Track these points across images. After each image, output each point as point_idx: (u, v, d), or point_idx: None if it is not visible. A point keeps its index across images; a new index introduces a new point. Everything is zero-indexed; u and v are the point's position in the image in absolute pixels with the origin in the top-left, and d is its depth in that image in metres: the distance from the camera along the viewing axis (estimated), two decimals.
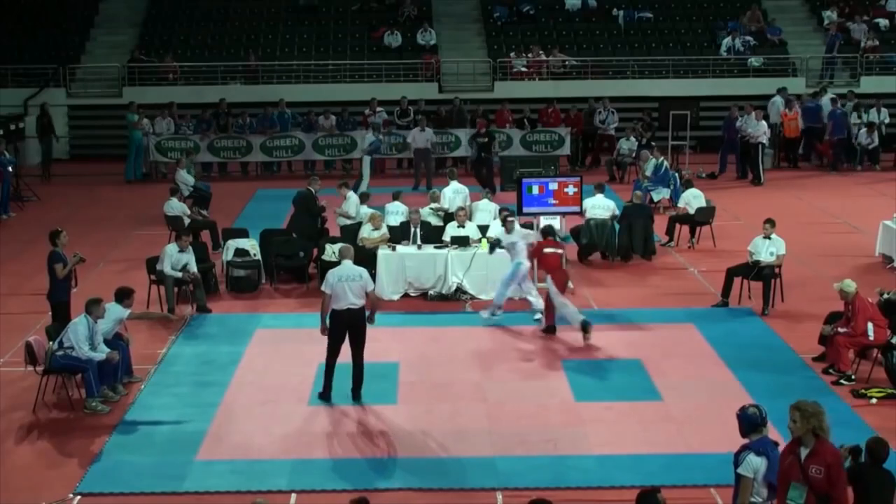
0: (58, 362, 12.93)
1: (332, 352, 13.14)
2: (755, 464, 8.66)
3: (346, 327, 13.01)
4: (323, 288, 13.13)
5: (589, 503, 10.62)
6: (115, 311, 13.54)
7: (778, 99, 30.03)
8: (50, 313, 14.81)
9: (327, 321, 13.08)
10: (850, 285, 13.78)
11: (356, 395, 13.18)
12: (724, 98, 30.71)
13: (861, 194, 25.95)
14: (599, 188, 20.11)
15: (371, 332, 15.70)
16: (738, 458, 8.77)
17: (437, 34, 34.26)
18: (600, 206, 19.58)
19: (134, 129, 28.74)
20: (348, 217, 19.37)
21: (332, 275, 13.03)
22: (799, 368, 14.24)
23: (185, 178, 23.25)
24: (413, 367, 14.34)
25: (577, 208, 18.07)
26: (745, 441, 8.81)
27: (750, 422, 8.78)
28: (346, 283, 12.94)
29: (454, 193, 20.65)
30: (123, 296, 13.83)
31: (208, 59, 32.97)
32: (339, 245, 18.15)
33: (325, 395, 13.20)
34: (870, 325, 13.51)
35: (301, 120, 29.81)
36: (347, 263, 13.20)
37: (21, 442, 12.22)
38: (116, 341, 13.57)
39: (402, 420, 12.65)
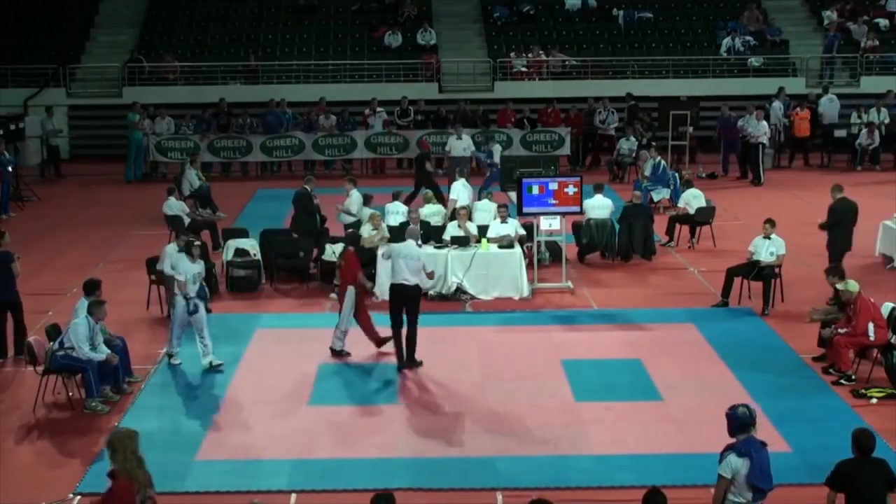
0: (58, 362, 12.94)
1: (393, 322, 14.29)
2: (735, 465, 8.63)
3: (401, 300, 14.15)
4: (380, 252, 14.80)
5: (589, 503, 10.63)
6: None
7: (777, 104, 30.04)
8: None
9: (374, 291, 14.73)
10: (853, 285, 13.78)
11: (409, 363, 14.15)
12: (724, 98, 30.71)
13: (861, 194, 25.77)
14: (598, 188, 20.11)
15: None
16: (720, 457, 8.77)
17: (437, 34, 34.25)
18: (600, 206, 19.58)
19: (134, 129, 28.76)
20: (349, 213, 19.37)
21: (393, 249, 14.42)
22: (799, 368, 14.24)
23: (192, 179, 23.28)
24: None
25: (577, 208, 18.06)
26: (732, 440, 8.81)
27: (739, 422, 8.77)
28: (403, 259, 14.10)
29: (463, 187, 20.77)
30: (93, 288, 13.81)
31: (208, 59, 32.97)
32: (339, 245, 18.21)
33: (399, 365, 14.21)
34: (870, 326, 13.50)
35: (301, 120, 29.83)
36: (410, 243, 14.49)
37: (21, 442, 12.23)
38: (114, 341, 13.58)
39: (402, 420, 12.65)
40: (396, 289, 14.26)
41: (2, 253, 14.74)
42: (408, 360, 14.22)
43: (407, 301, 14.21)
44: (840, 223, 17.67)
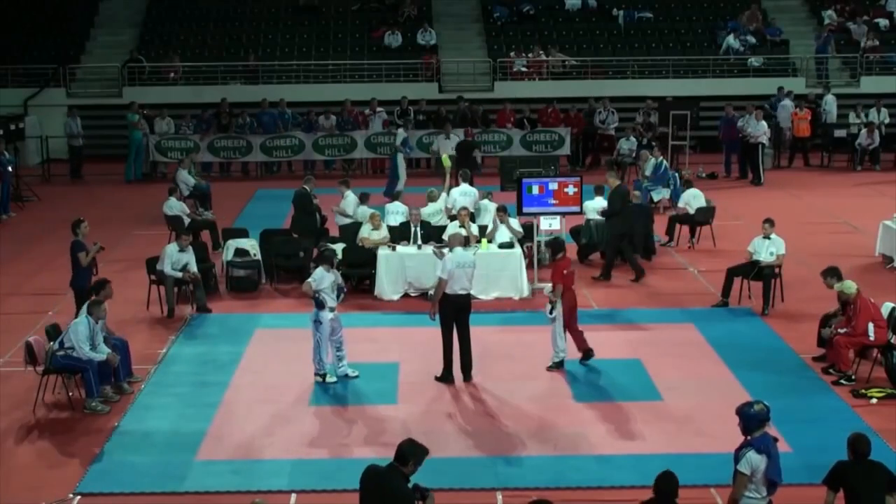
0: (58, 362, 12.93)
1: (447, 335, 13.65)
2: (755, 462, 8.67)
3: (457, 310, 13.54)
4: (440, 274, 13.56)
5: (589, 503, 10.63)
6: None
7: (787, 102, 30.02)
8: (74, 302, 15.13)
9: (437, 306, 13.62)
10: (851, 286, 13.78)
11: (466, 376, 13.72)
12: (724, 98, 30.71)
13: (861, 194, 25.94)
14: (599, 191, 20.04)
15: (371, 332, 15.80)
16: (737, 455, 8.78)
17: (437, 34, 34.28)
18: (599, 209, 19.54)
19: (134, 129, 28.76)
20: (345, 215, 19.36)
21: (449, 261, 13.53)
22: (799, 368, 14.25)
23: (186, 179, 23.24)
24: (413, 367, 14.32)
25: (576, 208, 18.04)
26: (743, 438, 8.82)
27: (757, 419, 8.79)
28: (463, 269, 13.53)
29: (461, 195, 19.84)
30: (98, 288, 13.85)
31: (208, 59, 32.99)
32: (339, 245, 18.23)
33: (444, 377, 13.69)
34: (870, 326, 13.50)
35: (301, 120, 29.83)
36: (459, 250, 13.89)
37: (21, 442, 12.22)
38: (115, 340, 13.58)
39: (402, 420, 12.65)
40: (453, 300, 13.49)
41: (73, 242, 15.16)
42: (465, 374, 13.83)
43: (462, 312, 13.60)
44: (619, 210, 18.07)
